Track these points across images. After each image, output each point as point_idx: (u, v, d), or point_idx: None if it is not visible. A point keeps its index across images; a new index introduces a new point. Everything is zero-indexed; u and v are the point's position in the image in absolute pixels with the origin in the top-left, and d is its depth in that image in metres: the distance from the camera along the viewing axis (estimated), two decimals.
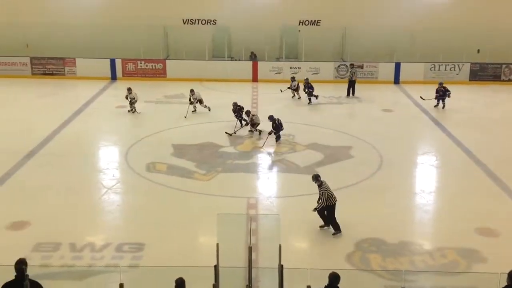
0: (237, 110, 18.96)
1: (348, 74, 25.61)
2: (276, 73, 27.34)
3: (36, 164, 15.50)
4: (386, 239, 11.29)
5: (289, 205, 13.19)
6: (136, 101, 21.02)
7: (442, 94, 21.76)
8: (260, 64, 27.61)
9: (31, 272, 7.59)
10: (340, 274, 7.43)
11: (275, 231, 9.21)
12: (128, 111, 20.99)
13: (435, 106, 22.01)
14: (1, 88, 24.88)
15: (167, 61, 27.80)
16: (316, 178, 11.63)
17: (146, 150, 16.87)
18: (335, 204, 11.40)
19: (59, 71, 27.13)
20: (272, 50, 28.79)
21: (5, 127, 18.75)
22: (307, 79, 23.31)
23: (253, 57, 28.88)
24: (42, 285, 7.49)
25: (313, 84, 23.09)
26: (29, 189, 13.75)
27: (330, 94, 24.66)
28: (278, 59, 28.76)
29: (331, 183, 11.88)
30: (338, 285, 7.38)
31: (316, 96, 23.09)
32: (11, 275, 7.37)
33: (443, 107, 21.89)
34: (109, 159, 16.57)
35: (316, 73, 27.08)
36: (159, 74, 27.40)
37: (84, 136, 18.37)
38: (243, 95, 23.64)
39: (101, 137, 18.87)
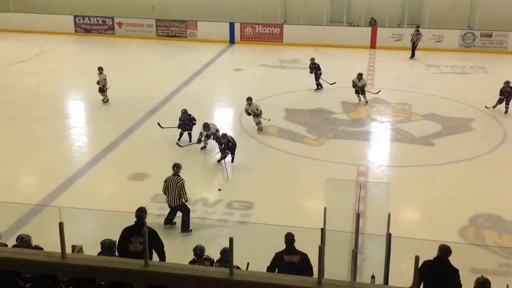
0: (186, 120, 14.52)
1: (414, 37, 24.24)
2: (396, 40, 26.31)
3: (157, 120, 16.32)
4: (503, 216, 10.67)
5: (400, 175, 12.83)
6: (107, 85, 17.66)
7: (507, 95, 16.89)
8: (379, 30, 26.72)
9: (149, 220, 8.11)
10: (451, 248, 7.15)
11: (384, 199, 9.04)
12: (103, 101, 17.77)
13: (493, 107, 17.17)
14: (129, 49, 26.36)
15: (284, 26, 27.77)
16: None
17: None
18: None
19: (181, 33, 28.12)
20: (393, 15, 27.71)
21: (131, 85, 19.86)
22: (313, 59, 19.83)
23: (373, 23, 27.99)
24: (158, 232, 7.95)
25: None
26: (149, 143, 14.56)
27: (454, 63, 23.36)
28: (399, 25, 27.65)
29: (449, 155, 11.35)
30: (449, 259, 7.10)
31: (333, 83, 19.44)
32: (131, 221, 7.91)
33: (506, 111, 16.95)
34: (223, 119, 17.05)
35: (439, 41, 25.73)
36: (276, 38, 27.48)
37: (202, 97, 19.00)
38: (360, 62, 23.13)
39: (217, 98, 19.43)
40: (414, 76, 21.85)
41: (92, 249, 8.01)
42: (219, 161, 13.39)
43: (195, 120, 14.60)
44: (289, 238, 7.61)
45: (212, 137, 13.82)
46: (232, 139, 13.23)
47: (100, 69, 17.79)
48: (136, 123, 16.05)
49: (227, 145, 13.04)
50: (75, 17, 28.49)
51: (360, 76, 17.89)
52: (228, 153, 13.17)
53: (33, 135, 15.08)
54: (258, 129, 15.52)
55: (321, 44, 26.28)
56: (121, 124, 15.82)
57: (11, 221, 9.76)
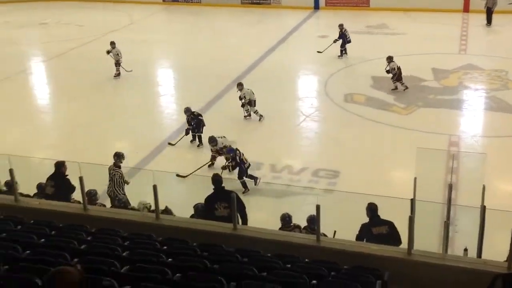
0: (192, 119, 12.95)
1: (488, 1, 22.42)
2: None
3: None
4: None
5: (496, 145, 12.25)
6: (121, 60, 17.44)
7: None
8: None
9: (225, 185, 8.20)
10: None
11: (478, 170, 8.67)
12: (115, 76, 17.52)
13: None
14: (215, 17, 26.53)
15: None
16: None
17: (344, 81, 16.86)
18: None
19: (266, 0, 27.96)
20: None
21: (216, 54, 20.10)
22: (341, 25, 19.01)
23: None
24: (244, 200, 8.05)
25: None
26: (234, 111, 14.70)
27: None
28: None
29: None
30: None
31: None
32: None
33: None
34: (308, 87, 16.92)
35: None
36: (362, 3, 26.69)
37: (286, 64, 18.90)
38: (452, 27, 22.03)
39: (302, 66, 19.26)
40: (510, 41, 20.54)
41: (183, 212, 8.32)
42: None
43: (201, 116, 12.88)
44: (373, 208, 7.47)
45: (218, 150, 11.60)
46: (241, 154, 10.89)
47: (112, 44, 17.61)
48: (222, 91, 16.27)
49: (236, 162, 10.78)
50: None
51: (389, 59, 15.85)
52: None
53: (126, 103, 15.70)
54: (244, 116, 14.01)
55: (410, 8, 25.22)
56: (208, 92, 16.11)
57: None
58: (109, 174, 9.69)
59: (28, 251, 5.06)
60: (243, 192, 10.31)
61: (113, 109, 15.24)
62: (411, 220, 6.41)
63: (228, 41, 22.01)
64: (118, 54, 17.47)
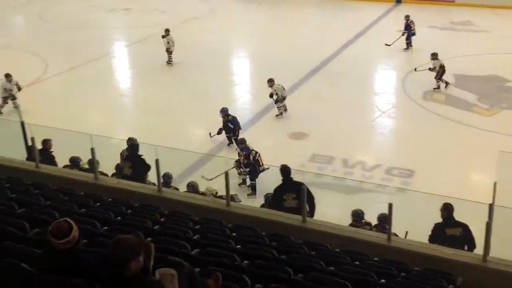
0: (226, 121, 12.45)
1: None
2: None
3: (317, 80, 16.36)
4: None
5: None
6: (172, 48, 17.70)
7: None
8: None
9: (308, 179, 8.22)
10: None
11: None
12: (167, 63, 17.83)
13: None
14: (294, 8, 26.37)
15: None
16: None
17: (424, 78, 16.31)
18: None
19: None
20: None
21: (293, 45, 20.02)
22: (407, 16, 18.76)
23: None
24: (314, 194, 7.99)
25: None
26: (310, 103, 14.65)
27: None
28: None
29: None
30: None
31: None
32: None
33: None
34: (385, 83, 16.55)
35: None
36: None
37: (363, 58, 18.56)
38: None
39: (380, 60, 18.85)
40: None
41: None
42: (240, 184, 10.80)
43: (236, 119, 12.27)
44: (449, 209, 7.26)
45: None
46: (257, 155, 10.51)
47: (167, 31, 17.82)
48: (298, 82, 16.22)
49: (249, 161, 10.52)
50: None
51: (433, 56, 15.27)
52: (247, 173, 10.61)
53: (202, 90, 15.96)
54: (276, 115, 13.74)
55: (498, 5, 24.05)
56: (284, 82, 16.06)
57: (183, 168, 10.55)
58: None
59: (105, 227, 5.28)
60: (248, 194, 10.16)
61: (189, 95, 15.54)
62: (489, 226, 6.15)
63: (306, 32, 21.85)
64: (169, 43, 17.78)
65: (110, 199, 7.17)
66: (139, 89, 16.81)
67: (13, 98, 14.07)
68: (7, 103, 14.15)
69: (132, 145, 9.43)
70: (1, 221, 4.33)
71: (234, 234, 6.13)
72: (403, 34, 18.55)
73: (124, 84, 17.44)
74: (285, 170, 8.02)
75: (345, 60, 18.23)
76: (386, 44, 18.63)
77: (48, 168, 8.80)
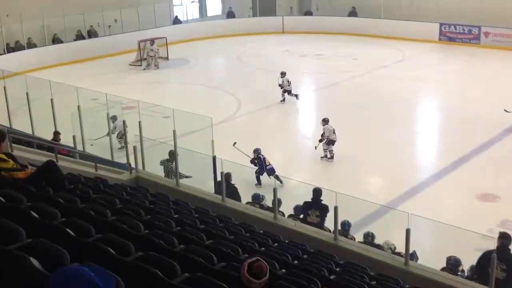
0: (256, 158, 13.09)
1: None
2: None
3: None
4: None
5: None
6: (287, 88, 18.80)
7: None
8: None
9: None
10: None
11: None
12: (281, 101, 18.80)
13: None
14: (495, 60, 24.71)
15: None
16: None
17: None
18: None
19: None
20: None
21: (490, 99, 18.73)
22: None
23: None
24: None
25: None
26: (502, 163, 13.54)
27: None
28: None
29: None
30: None
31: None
32: (475, 240, 7.48)
33: None
34: None
35: None
36: None
37: None
38: None
39: None
40: None
41: (430, 261, 7.92)
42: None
43: (264, 160, 12.88)
44: None
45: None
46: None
47: (283, 74, 18.96)
48: (491, 140, 15.12)
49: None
50: (440, 24, 28.40)
51: None
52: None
53: (384, 138, 15.70)
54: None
55: None
56: (474, 139, 15.14)
57: (359, 216, 10.39)
58: None
59: (283, 270, 5.36)
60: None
61: (374, 144, 15.36)
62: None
63: (506, 86, 20.36)
64: (283, 83, 18.86)
65: (287, 241, 7.31)
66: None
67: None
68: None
69: (316, 190, 9.49)
70: (192, 251, 4.64)
71: None
72: None
73: (307, 128, 17.86)
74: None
75: None
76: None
77: (233, 203, 9.31)
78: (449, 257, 7.84)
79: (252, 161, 12.87)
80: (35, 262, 3.16)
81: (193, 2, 33.91)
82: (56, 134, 12.99)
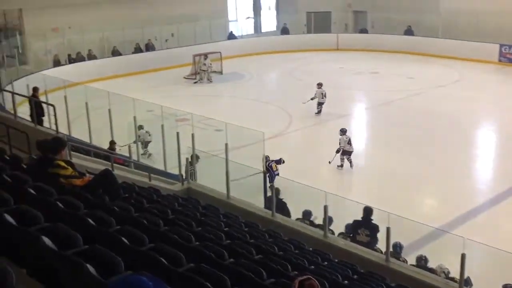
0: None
1: None
2: None
3: None
4: None
5: None
6: (321, 100, 19.25)
7: None
8: None
9: None
10: None
11: None
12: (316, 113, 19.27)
13: None
14: None
15: None
16: None
17: None
18: None
19: None
20: None
21: None
22: None
23: None
24: None
25: None
26: None
27: None
28: None
29: None
30: None
31: None
32: None
33: None
34: None
35: None
36: None
37: None
38: None
39: None
40: None
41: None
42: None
43: (273, 169, 12.86)
44: None
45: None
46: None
47: (319, 85, 19.40)
48: None
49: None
50: (501, 46, 27.59)
51: None
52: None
53: (439, 160, 15.30)
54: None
55: None
56: None
57: (412, 239, 10.14)
58: None
59: None
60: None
61: (424, 163, 15.02)
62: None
63: None
64: (315, 94, 19.31)
65: (336, 260, 7.20)
66: (374, 153, 16.84)
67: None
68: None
69: (366, 209, 9.36)
70: (242, 265, 4.64)
71: None
72: None
73: (359, 146, 17.63)
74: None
75: None
76: None
77: (283, 218, 9.27)
78: (505, 285, 7.54)
79: (265, 172, 12.51)
80: (91, 268, 3.23)
81: (248, 18, 34.34)
82: (112, 143, 13.37)
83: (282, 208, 10.29)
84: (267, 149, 13.88)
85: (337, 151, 14.66)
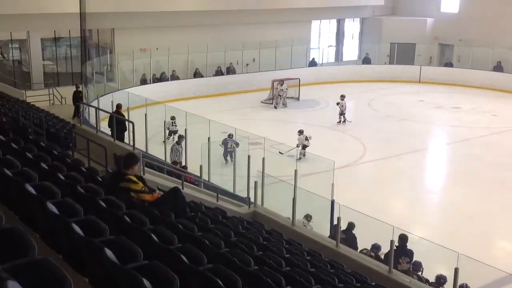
0: None
1: None
2: None
3: None
4: None
5: None
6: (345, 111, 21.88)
7: None
8: None
9: None
10: None
11: None
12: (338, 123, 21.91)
13: None
14: None
15: None
16: None
17: None
18: None
19: None
20: None
21: None
22: None
23: None
24: None
25: None
26: None
27: None
28: None
29: None
30: None
31: None
32: None
33: None
34: None
35: None
36: None
37: None
38: None
39: None
40: None
41: None
42: None
43: None
44: None
45: None
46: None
47: (342, 97, 21.73)
48: None
49: None
50: None
51: None
52: None
53: None
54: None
55: None
56: None
57: (483, 282, 9.68)
58: None
59: None
60: None
61: (505, 204, 14.31)
62: None
63: None
64: (342, 105, 21.67)
65: None
66: (449, 189, 16.27)
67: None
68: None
69: (402, 237, 9.25)
70: None
71: None
72: None
73: (435, 182, 17.09)
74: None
75: None
76: None
77: (347, 250, 9.12)
78: (461, 285, 7.06)
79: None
80: (147, 283, 3.34)
81: (330, 46, 34.38)
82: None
83: (352, 242, 10.10)
84: (337, 178, 13.76)
85: (297, 146, 16.64)
